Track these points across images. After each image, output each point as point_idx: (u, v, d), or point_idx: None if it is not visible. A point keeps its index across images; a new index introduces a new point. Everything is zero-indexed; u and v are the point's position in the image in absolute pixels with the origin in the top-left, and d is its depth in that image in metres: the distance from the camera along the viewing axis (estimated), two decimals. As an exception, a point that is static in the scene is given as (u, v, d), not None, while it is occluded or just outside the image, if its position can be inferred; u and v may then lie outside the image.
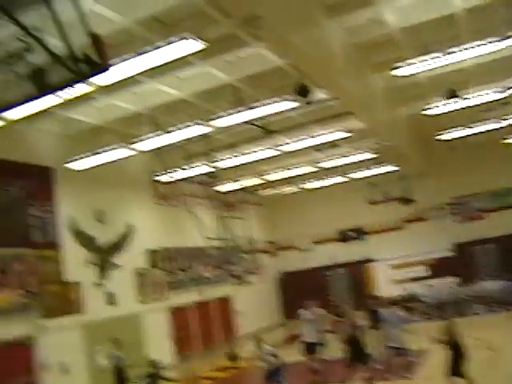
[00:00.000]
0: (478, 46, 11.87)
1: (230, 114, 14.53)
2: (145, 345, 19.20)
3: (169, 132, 15.11)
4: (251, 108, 14.28)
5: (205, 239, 17.31)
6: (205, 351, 22.86)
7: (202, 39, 9.00)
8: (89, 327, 16.96)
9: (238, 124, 16.50)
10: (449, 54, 11.96)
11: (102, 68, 5.43)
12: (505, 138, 23.87)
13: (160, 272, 21.25)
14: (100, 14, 10.27)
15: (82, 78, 5.60)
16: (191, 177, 21.40)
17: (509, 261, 26.03)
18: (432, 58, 12.02)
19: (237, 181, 20.07)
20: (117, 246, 19.01)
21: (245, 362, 19.45)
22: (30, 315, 15.06)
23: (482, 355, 14.12)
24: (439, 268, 27.62)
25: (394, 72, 12.40)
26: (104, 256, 18.37)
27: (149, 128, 16.26)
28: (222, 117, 14.65)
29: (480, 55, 13.65)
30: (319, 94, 15.96)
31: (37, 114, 9.34)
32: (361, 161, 24.33)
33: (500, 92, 16.60)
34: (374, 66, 15.93)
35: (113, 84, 11.45)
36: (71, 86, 5.67)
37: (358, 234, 30.63)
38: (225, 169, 20.78)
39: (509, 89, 16.62)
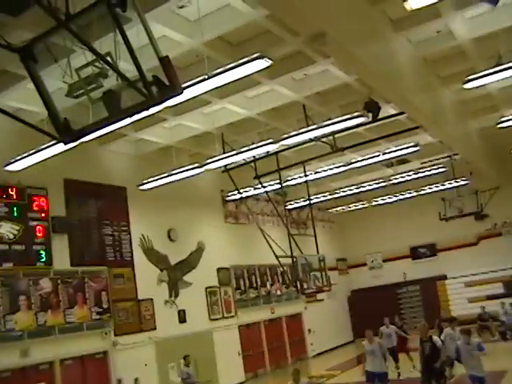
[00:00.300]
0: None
1: (299, 132, 14.50)
2: (215, 362, 19.33)
3: (238, 151, 15.23)
4: (320, 126, 14.22)
5: (275, 257, 17.29)
6: (275, 369, 22.81)
7: (268, 58, 9.07)
8: (161, 344, 17.23)
9: (306, 141, 16.54)
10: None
11: (175, 92, 5.54)
12: None
13: (231, 290, 21.41)
14: (169, 37, 10.56)
15: (154, 102, 5.73)
16: (261, 194, 21.54)
17: None
18: (504, 70, 11.65)
19: (306, 198, 20.01)
20: (188, 264, 19.28)
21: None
22: (104, 331, 15.47)
23: None
24: (516, 285, 26.65)
25: (466, 85, 12.08)
26: (176, 274, 18.67)
27: (218, 147, 16.51)
28: (291, 134, 14.63)
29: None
30: (388, 109, 15.85)
31: (107, 134, 9.59)
32: (432, 175, 23.89)
33: None
34: (444, 79, 15.67)
35: (182, 104, 11.66)
36: (144, 110, 5.81)
37: (431, 250, 29.95)
38: (294, 185, 20.81)
39: None
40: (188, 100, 10.88)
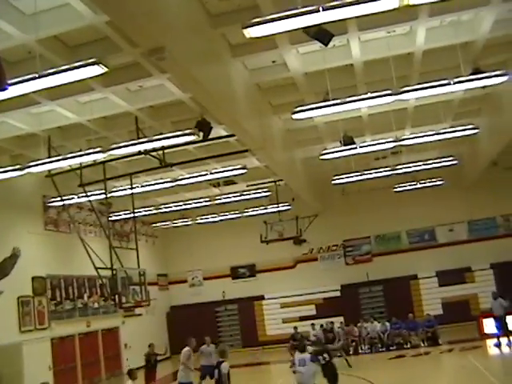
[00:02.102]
0: (373, 97, 12.41)
1: (129, 143, 14.35)
2: (23, 377, 18.24)
3: (65, 156, 14.69)
4: (151, 139, 14.19)
5: (94, 269, 16.84)
6: (87, 385, 22.13)
7: (103, 65, 8.91)
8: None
9: (135, 153, 16.39)
10: (346, 102, 12.40)
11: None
12: (395, 187, 24.99)
13: (45, 300, 20.45)
14: (0, 28, 10.01)
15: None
16: (84, 204, 20.96)
17: (392, 303, 27.09)
18: (330, 106, 12.43)
19: (131, 211, 19.82)
20: (0, 271, 18.13)
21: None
22: None
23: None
24: (327, 308, 28.22)
25: (294, 115, 12.70)
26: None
27: (43, 150, 15.82)
28: (121, 145, 14.44)
29: (375, 105, 14.40)
30: (219, 130, 16.20)
31: None
32: (256, 198, 24.72)
33: (392, 142, 17.38)
34: (275, 107, 16.40)
35: (7, 100, 11.06)
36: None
37: (250, 271, 30.83)
38: (119, 197, 20.49)
39: (400, 140, 17.44)
40: (15, 97, 10.36)
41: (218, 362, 11.95)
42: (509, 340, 19.59)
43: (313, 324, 24.79)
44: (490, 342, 20.63)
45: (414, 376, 16.69)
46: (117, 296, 16.20)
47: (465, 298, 27.17)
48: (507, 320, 19.94)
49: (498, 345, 19.83)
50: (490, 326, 21.52)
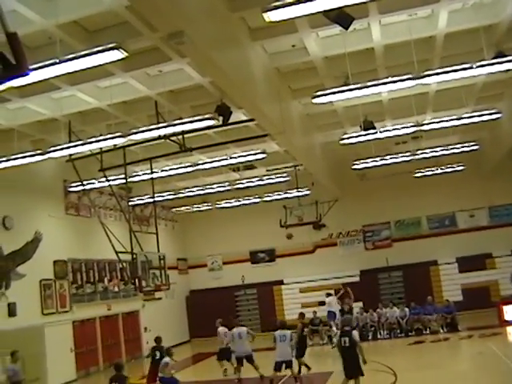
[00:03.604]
0: (394, 81, 12.29)
1: (149, 128, 14.38)
2: (45, 358, 18.50)
3: (86, 141, 14.78)
4: (171, 124, 14.20)
5: (115, 252, 16.98)
6: (108, 367, 22.29)
7: (123, 49, 8.92)
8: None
9: (155, 138, 16.44)
10: (367, 86, 12.30)
11: (21, 72, 5.25)
12: (415, 172, 24.84)
13: (67, 284, 20.69)
14: (21, 13, 10.05)
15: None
16: (104, 189, 21.10)
17: (412, 289, 27.01)
18: (350, 90, 12.32)
19: (150, 196, 19.94)
20: (23, 255, 18.36)
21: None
22: None
23: (382, 378, 14.50)
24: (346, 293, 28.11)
25: (315, 100, 12.61)
26: (7, 264, 17.70)
27: (64, 135, 15.93)
28: (141, 129, 14.47)
29: (395, 90, 14.27)
30: (239, 115, 16.18)
31: None
32: (276, 183, 24.69)
33: (412, 127, 17.23)
34: (294, 91, 16.31)
35: (29, 85, 11.12)
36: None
37: (270, 256, 30.90)
38: (139, 182, 20.58)
39: (421, 125, 17.29)
40: (36, 82, 10.41)
41: None
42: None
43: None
44: (511, 329, 20.50)
45: (433, 362, 16.61)
46: (137, 280, 16.32)
47: (485, 285, 26.94)
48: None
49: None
50: (510, 312, 21.40)
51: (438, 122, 17.17)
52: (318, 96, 12.51)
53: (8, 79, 5.37)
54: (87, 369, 21.24)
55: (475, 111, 17.39)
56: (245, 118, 16.50)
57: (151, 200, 19.77)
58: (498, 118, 17.55)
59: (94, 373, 21.53)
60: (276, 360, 14.88)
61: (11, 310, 17.42)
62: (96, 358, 21.94)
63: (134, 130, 14.58)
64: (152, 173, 18.91)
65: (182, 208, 29.17)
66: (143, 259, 16.50)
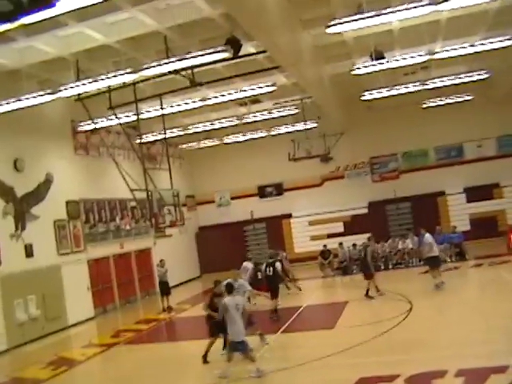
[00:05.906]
0: (409, 8, 11.96)
1: (160, 63, 14.10)
2: (64, 297, 18.88)
3: (95, 79, 14.54)
4: (182, 58, 13.92)
5: (129, 190, 16.99)
6: (124, 304, 22.81)
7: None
8: (6, 279, 16.49)
9: (164, 74, 16.19)
10: (382, 14, 11.99)
11: (48, 3, 5.15)
12: (424, 103, 24.59)
13: (80, 224, 20.83)
14: None
15: (22, 11, 5.30)
16: (112, 127, 20.95)
17: (420, 220, 27.16)
18: (365, 18, 12.01)
19: (158, 133, 19.79)
20: (36, 197, 18.42)
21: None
22: None
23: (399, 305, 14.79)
24: (354, 225, 28.44)
25: (329, 30, 12.31)
26: (22, 206, 17.78)
27: (71, 74, 15.66)
28: (152, 65, 14.20)
29: (409, 18, 13.93)
30: (248, 48, 15.89)
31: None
32: (284, 116, 24.49)
33: (424, 55, 16.93)
34: (305, 22, 15.93)
35: (33, 24, 10.84)
36: (12, 20, 5.36)
37: (277, 189, 31.00)
38: (145, 119, 20.37)
39: (432, 53, 16.98)
40: (41, 20, 10.14)
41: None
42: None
43: (341, 243, 24.85)
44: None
45: (445, 288, 16.85)
46: (153, 217, 16.39)
47: (493, 214, 27.20)
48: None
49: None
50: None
51: (449, 51, 16.87)
52: (333, 25, 12.23)
53: (35, 10, 5.28)
54: (104, 306, 21.66)
55: (487, 38, 17.05)
56: (254, 50, 16.20)
57: (160, 137, 19.59)
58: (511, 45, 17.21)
59: (111, 310, 21.96)
60: None
61: (28, 251, 17.64)
62: (112, 296, 22.34)
63: (145, 66, 14.30)
64: (162, 109, 18.69)
65: (189, 144, 29.01)
66: (157, 196, 16.50)
